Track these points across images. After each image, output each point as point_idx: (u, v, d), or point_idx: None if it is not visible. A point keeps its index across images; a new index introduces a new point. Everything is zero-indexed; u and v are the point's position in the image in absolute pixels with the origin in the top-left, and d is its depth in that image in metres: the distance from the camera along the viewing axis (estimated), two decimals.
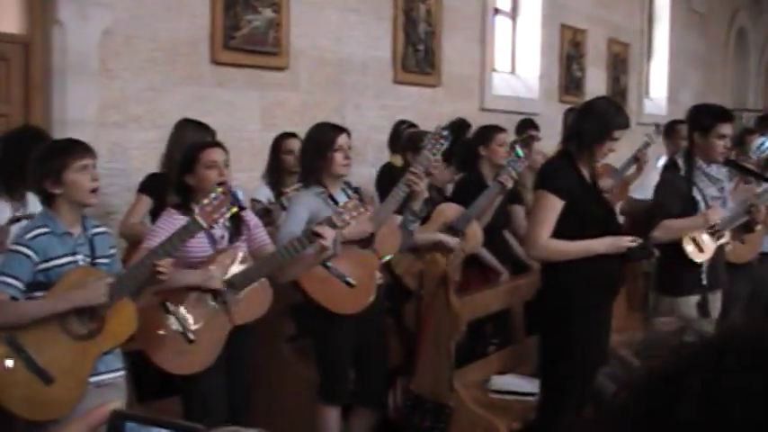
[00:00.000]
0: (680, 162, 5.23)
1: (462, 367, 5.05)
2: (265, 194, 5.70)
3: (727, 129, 5.09)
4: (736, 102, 15.52)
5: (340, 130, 4.66)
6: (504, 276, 5.81)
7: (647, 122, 12.98)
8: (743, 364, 0.72)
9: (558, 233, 4.40)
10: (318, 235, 3.97)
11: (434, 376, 4.71)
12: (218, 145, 4.17)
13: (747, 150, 6.30)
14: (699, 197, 5.12)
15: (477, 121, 7.94)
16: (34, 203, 4.05)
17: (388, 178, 6.57)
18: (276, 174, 5.78)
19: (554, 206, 4.38)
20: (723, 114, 5.21)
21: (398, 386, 4.90)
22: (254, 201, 5.67)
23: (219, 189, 3.75)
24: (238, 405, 4.15)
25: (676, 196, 5.11)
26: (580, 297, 4.41)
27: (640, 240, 4.51)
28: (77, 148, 3.61)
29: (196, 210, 3.72)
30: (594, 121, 4.44)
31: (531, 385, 4.97)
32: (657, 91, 13.96)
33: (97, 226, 3.78)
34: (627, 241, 4.44)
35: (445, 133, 4.89)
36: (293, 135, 5.75)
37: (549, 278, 4.57)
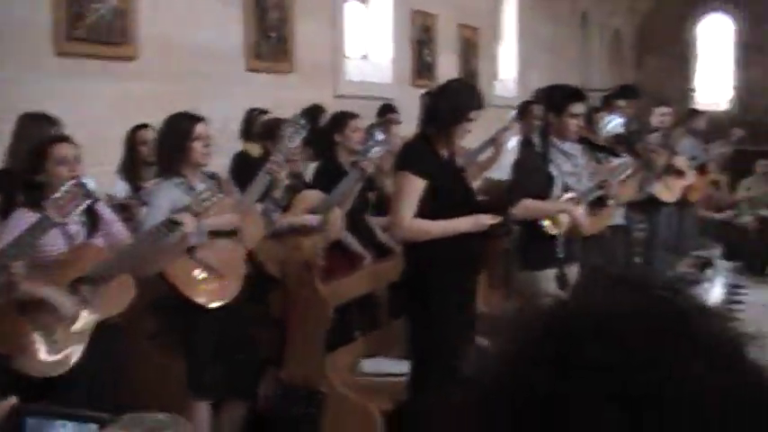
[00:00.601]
0: (535, 140, 5.36)
1: (330, 353, 5.03)
2: (122, 189, 5.54)
3: (579, 108, 5.27)
4: (583, 82, 15.99)
5: (197, 119, 4.57)
6: (367, 261, 5.81)
7: (498, 104, 13.25)
8: (593, 334, 0.74)
9: (421, 213, 4.44)
10: (177, 223, 3.88)
11: (305, 363, 4.69)
12: (68, 139, 4.01)
13: (597, 128, 6.50)
14: (555, 173, 5.27)
15: (331, 107, 7.92)
16: None
17: (243, 167, 6.49)
18: (132, 167, 5.62)
19: (415, 187, 4.43)
20: (575, 94, 5.39)
21: (269, 376, 4.85)
22: (109, 196, 5.50)
23: (71, 182, 3.61)
24: (104, 408, 4.01)
25: (534, 173, 5.24)
26: (441, 276, 4.47)
27: (500, 218, 4.60)
28: None
29: (47, 204, 3.57)
30: (450, 103, 4.51)
31: (400, 366, 5.00)
32: (507, 73, 14.25)
33: None
34: (487, 219, 4.52)
35: (303, 121, 4.86)
36: (147, 126, 5.60)
37: (410, 259, 4.62)
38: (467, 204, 4.58)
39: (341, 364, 5.06)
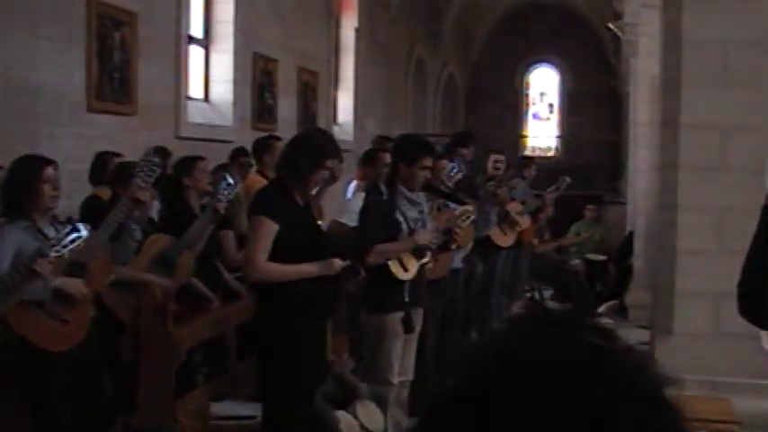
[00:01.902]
0: (382, 187, 5.52)
1: (179, 397, 5.01)
2: None
3: (429, 161, 5.50)
4: (417, 128, 16.45)
5: (47, 161, 4.50)
6: (215, 304, 5.82)
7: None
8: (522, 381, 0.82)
9: (273, 257, 4.52)
10: (34, 271, 3.81)
11: (156, 408, 4.65)
12: None
13: (439, 174, 6.72)
14: (401, 219, 5.44)
15: (173, 148, 7.90)
16: None
17: (94, 212, 6.38)
18: None
19: (269, 230, 4.51)
20: (426, 148, 5.61)
21: (119, 423, 4.77)
22: None
23: None
24: None
25: (381, 219, 5.40)
26: (293, 320, 4.55)
27: (349, 262, 4.72)
28: None
29: None
30: (308, 152, 4.62)
31: (249, 409, 5.04)
32: (345, 117, 14.50)
33: None
34: (338, 263, 4.63)
35: (156, 159, 4.86)
36: None
37: (262, 303, 4.69)
38: (318, 249, 4.69)
39: (191, 409, 5.03)
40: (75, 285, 4.39)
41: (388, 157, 6.11)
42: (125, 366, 4.87)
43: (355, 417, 5.12)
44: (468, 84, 19.84)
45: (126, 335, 4.89)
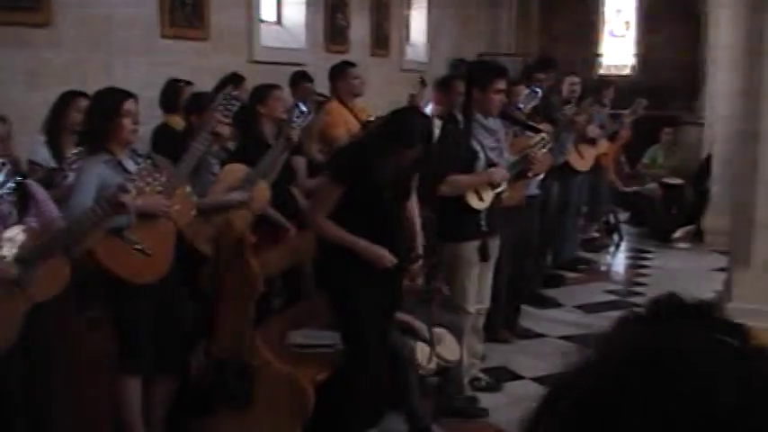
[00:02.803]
0: (458, 116, 5.45)
1: (257, 325, 5.08)
2: (43, 156, 5.43)
3: (502, 84, 5.40)
4: (491, 48, 16.18)
5: (127, 94, 4.53)
6: (291, 232, 5.85)
7: (409, 69, 13.35)
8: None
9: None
10: (118, 204, 3.86)
11: (235, 337, 4.72)
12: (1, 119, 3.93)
13: (515, 100, 6.62)
14: (478, 148, 5.39)
15: (246, 73, 7.89)
16: None
17: (166, 140, 6.43)
18: (57, 133, 5.51)
19: (336, 193, 4.58)
20: (499, 71, 5.50)
21: (199, 350, 4.87)
22: (32, 163, 5.40)
23: None
24: (38, 390, 3.99)
25: (457, 148, 5.34)
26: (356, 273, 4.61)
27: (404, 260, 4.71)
28: None
29: None
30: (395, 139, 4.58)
31: (327, 337, 5.08)
32: (417, 37, 14.31)
33: None
34: (388, 261, 4.61)
35: (236, 93, 4.87)
36: (83, 94, 5.48)
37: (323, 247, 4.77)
38: (382, 227, 4.67)
39: (270, 337, 5.11)
40: (154, 202, 4.43)
41: (462, 85, 6.02)
42: (205, 296, 4.94)
43: (431, 344, 5.13)
44: (543, 1, 19.36)
45: (205, 265, 4.95)
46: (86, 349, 4.78)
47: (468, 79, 5.53)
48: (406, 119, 4.67)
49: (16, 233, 3.85)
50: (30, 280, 3.81)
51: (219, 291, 4.78)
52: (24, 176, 3.92)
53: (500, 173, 5.36)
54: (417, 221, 4.98)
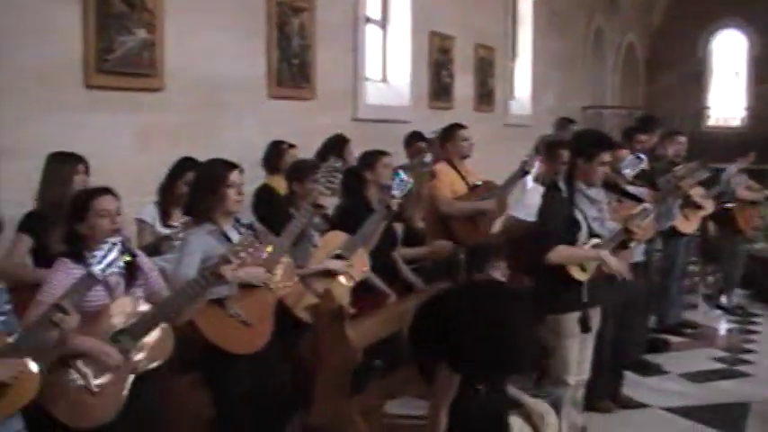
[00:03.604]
0: (561, 184, 5.39)
1: (356, 394, 5.09)
2: (150, 213, 5.60)
3: (608, 156, 5.34)
4: (595, 100, 16.05)
5: (233, 166, 4.63)
6: (391, 299, 5.86)
7: (512, 123, 13.33)
8: None
9: None
10: (221, 276, 3.93)
11: (333, 407, 4.74)
12: (110, 192, 4.06)
13: (617, 165, 6.50)
14: (580, 217, 5.31)
15: (349, 131, 7.98)
16: None
17: (266, 201, 6.55)
18: (167, 197, 5.68)
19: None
20: (605, 144, 5.43)
21: (296, 420, 4.90)
22: (139, 221, 5.57)
23: (111, 240, 3.67)
24: None
25: (560, 218, 5.29)
26: None
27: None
28: None
29: (89, 260, 3.63)
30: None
31: (424, 409, 5.04)
32: (522, 92, 14.31)
33: None
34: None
35: (338, 165, 4.93)
36: (192, 166, 5.66)
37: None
38: None
39: (365, 407, 5.10)
40: (255, 272, 4.50)
41: (566, 154, 5.96)
42: (303, 365, 4.98)
43: (527, 418, 5.05)
44: (649, 52, 19.15)
45: (304, 334, 4.99)
46: (187, 413, 4.86)
47: (574, 149, 5.47)
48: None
49: (125, 304, 3.95)
50: (133, 351, 3.90)
51: (317, 360, 4.81)
52: (134, 255, 4.02)
53: (614, 262, 5.31)
54: None
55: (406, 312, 5.55)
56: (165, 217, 5.66)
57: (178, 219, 5.45)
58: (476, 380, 4.31)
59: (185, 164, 5.75)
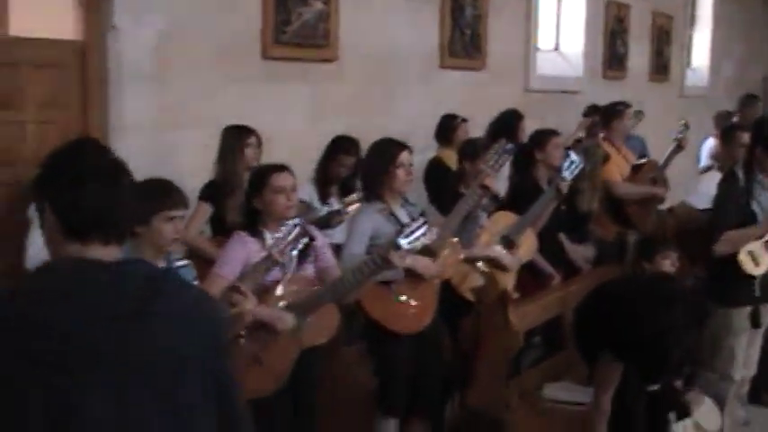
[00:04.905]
0: (739, 173, 5.19)
1: (515, 376, 5.09)
2: (308, 193, 5.71)
3: None
4: None
5: (402, 146, 4.66)
6: (556, 280, 5.79)
7: (689, 94, 12.88)
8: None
9: None
10: (389, 262, 3.98)
11: (490, 391, 4.75)
12: (286, 169, 4.16)
13: None
14: (757, 210, 5.10)
15: (521, 102, 7.91)
16: None
17: (437, 174, 6.58)
18: (325, 176, 5.81)
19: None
20: None
21: (455, 400, 4.95)
22: (304, 204, 5.69)
23: (292, 223, 3.80)
24: (303, 426, 4.20)
25: (735, 208, 5.10)
26: None
27: None
28: (171, 200, 3.59)
29: (270, 243, 3.79)
30: None
31: (583, 394, 4.98)
32: (699, 61, 13.78)
33: (180, 258, 3.81)
34: None
35: (509, 147, 4.91)
36: (350, 147, 5.76)
37: None
38: None
39: (526, 388, 5.08)
40: (424, 265, 4.54)
41: (746, 137, 5.72)
42: (464, 345, 5.01)
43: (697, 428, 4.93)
44: None
45: (467, 314, 5.01)
46: (348, 386, 4.98)
47: (755, 137, 5.24)
48: None
49: (297, 279, 4.07)
50: (302, 327, 4.01)
51: (479, 342, 4.83)
52: (312, 239, 4.11)
53: None
54: None
55: (569, 296, 5.50)
56: (323, 196, 5.78)
57: (333, 197, 5.60)
58: (642, 376, 4.23)
59: (341, 142, 5.86)
